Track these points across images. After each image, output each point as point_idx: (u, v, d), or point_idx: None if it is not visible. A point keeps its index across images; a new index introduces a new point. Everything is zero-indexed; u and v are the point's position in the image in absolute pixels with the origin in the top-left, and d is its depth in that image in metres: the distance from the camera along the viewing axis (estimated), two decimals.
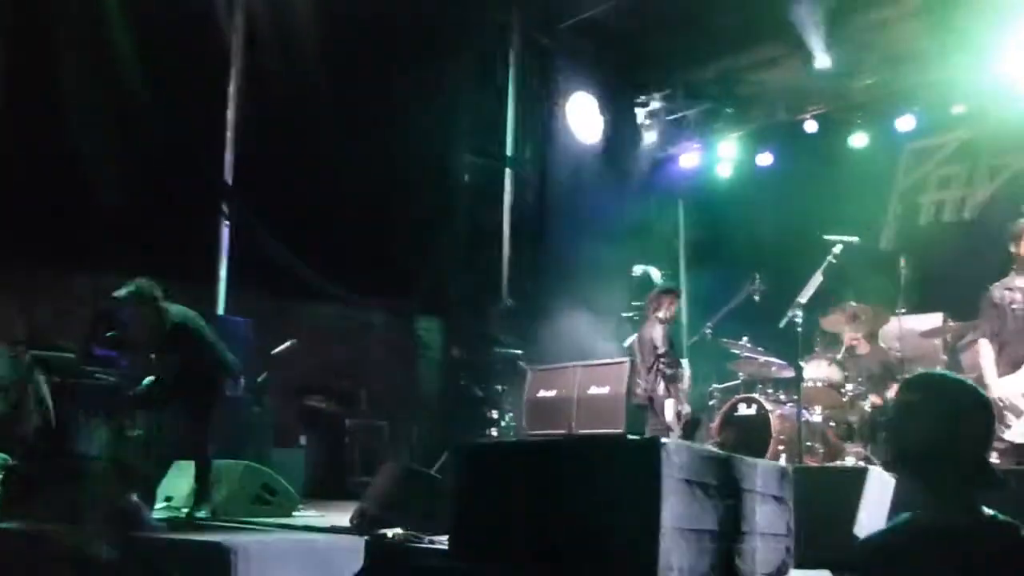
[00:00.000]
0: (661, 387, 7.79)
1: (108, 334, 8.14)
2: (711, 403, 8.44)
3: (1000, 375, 5.52)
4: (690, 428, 7.98)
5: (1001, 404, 5.26)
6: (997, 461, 5.03)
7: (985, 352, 5.64)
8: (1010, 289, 5.63)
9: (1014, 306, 5.53)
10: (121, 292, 6.42)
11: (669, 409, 7.77)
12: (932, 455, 2.21)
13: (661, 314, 8.06)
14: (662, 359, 7.81)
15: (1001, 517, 2.19)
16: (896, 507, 2.38)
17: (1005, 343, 5.59)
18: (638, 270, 9.94)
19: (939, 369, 5.10)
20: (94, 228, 9.63)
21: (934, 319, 7.66)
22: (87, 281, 9.20)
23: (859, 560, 2.38)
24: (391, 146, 10.68)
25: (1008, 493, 2.24)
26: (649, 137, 12.11)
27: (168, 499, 6.88)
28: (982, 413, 2.28)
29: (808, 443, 7.25)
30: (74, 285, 9.49)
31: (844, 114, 10.71)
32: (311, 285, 10.16)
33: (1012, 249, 5.74)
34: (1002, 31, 8.92)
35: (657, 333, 7.90)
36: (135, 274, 6.58)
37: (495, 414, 9.01)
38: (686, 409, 7.95)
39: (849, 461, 7.22)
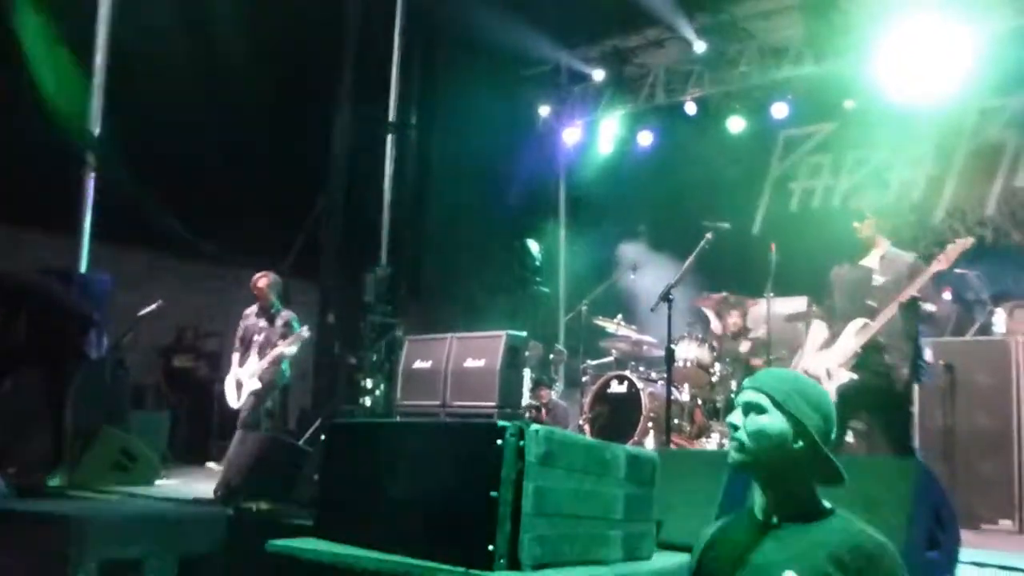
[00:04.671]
0: None
1: None
2: (584, 379, 8.56)
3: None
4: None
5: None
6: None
7: (815, 330, 5.69)
8: (845, 270, 5.61)
9: (846, 284, 5.54)
10: None
11: None
12: (772, 454, 2.26)
13: None
14: None
15: (838, 510, 2.26)
16: (744, 498, 2.44)
17: (833, 322, 5.59)
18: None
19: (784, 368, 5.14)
20: None
21: (799, 303, 7.93)
22: None
23: (693, 550, 2.44)
24: (270, 103, 10.39)
25: (852, 478, 2.30)
26: (543, 111, 12.13)
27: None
28: (821, 407, 2.32)
29: (676, 421, 7.44)
30: None
31: (723, 99, 10.99)
32: (180, 241, 9.81)
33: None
34: (875, 32, 9.27)
35: None
36: None
37: (369, 383, 8.89)
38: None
39: (714, 438, 7.46)
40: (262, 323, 7.58)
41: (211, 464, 7.26)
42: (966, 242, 5.10)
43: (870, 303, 5.27)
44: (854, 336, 5.26)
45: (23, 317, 6.11)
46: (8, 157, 8.73)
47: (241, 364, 7.56)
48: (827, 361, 5.34)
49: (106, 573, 3.96)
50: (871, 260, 5.44)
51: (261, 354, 7.44)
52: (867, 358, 5.20)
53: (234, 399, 7.49)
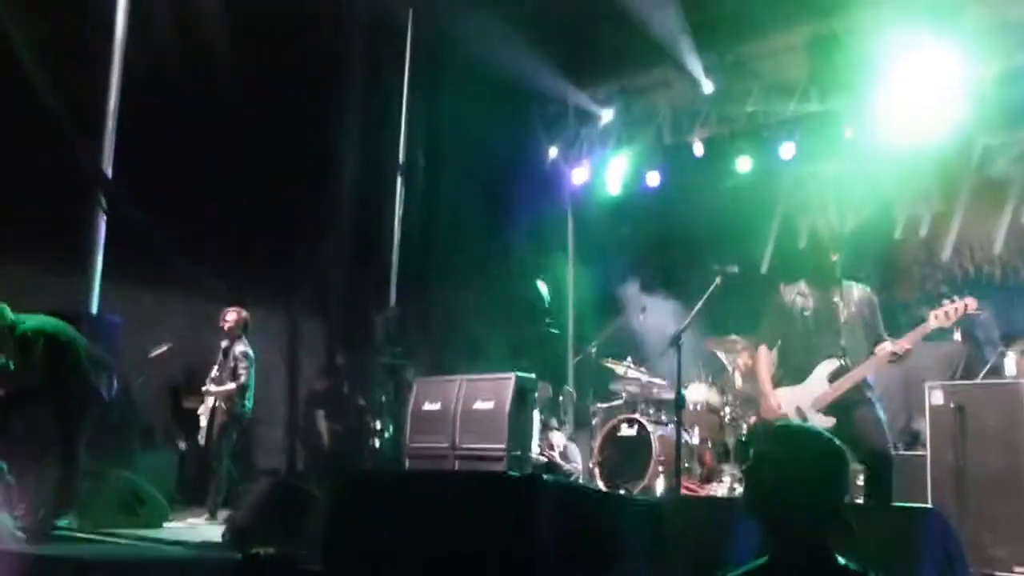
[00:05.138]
0: None
1: None
2: (593, 421, 8.54)
3: (779, 385, 5.30)
4: None
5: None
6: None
7: (763, 358, 5.45)
8: (802, 295, 5.39)
9: (805, 312, 5.31)
10: None
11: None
12: (785, 503, 2.26)
13: None
14: None
15: (852, 566, 2.23)
16: (760, 548, 2.42)
17: (788, 350, 5.40)
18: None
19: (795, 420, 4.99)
20: None
21: None
22: None
23: None
24: (279, 144, 10.47)
25: (860, 534, 2.29)
26: (552, 151, 12.20)
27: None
28: (832, 462, 2.32)
29: (686, 464, 7.41)
30: None
31: (730, 138, 11.02)
32: (190, 280, 9.84)
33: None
34: (879, 69, 9.31)
35: None
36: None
37: (378, 424, 8.88)
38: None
39: (725, 481, 7.42)
40: (220, 358, 8.05)
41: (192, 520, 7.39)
42: (971, 303, 4.99)
43: (841, 342, 5.14)
44: (828, 379, 5.11)
45: (39, 358, 6.14)
46: (16, 197, 8.81)
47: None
48: (797, 399, 5.14)
49: None
50: (833, 292, 5.29)
51: (213, 390, 7.91)
52: (844, 401, 5.06)
53: (199, 434, 7.96)
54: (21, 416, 6.38)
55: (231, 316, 8.15)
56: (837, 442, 2.37)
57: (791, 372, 5.30)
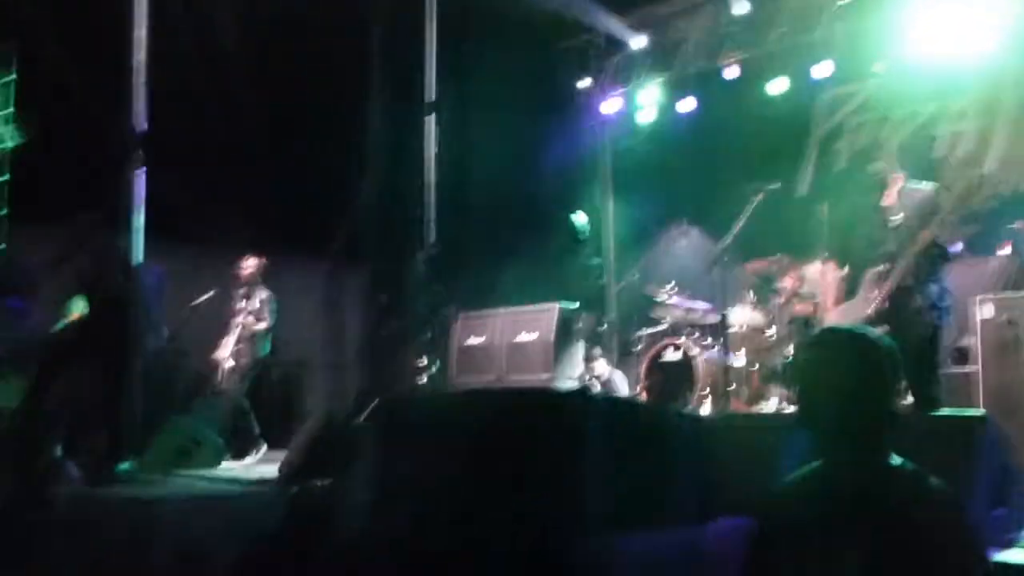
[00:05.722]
0: None
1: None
2: (637, 348, 8.54)
3: (838, 303, 5.28)
4: None
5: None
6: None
7: (829, 276, 5.50)
8: (852, 207, 5.48)
9: (861, 222, 5.27)
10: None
11: None
12: (835, 406, 2.23)
13: None
14: None
15: (909, 465, 2.22)
16: (808, 457, 2.41)
17: (848, 264, 5.36)
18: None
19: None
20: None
21: None
22: None
23: (758, 509, 2.41)
24: (309, 91, 10.45)
25: (913, 440, 2.27)
26: (582, 82, 12.07)
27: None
28: (881, 359, 2.28)
29: (732, 386, 7.41)
30: None
31: (763, 61, 10.80)
32: (229, 232, 9.92)
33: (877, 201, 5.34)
34: None
35: None
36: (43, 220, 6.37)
37: (423, 361, 8.95)
38: None
39: (771, 403, 7.41)
40: (241, 304, 8.28)
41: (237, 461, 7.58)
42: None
43: (889, 248, 5.01)
44: (875, 285, 5.00)
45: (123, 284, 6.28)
46: (57, 153, 8.92)
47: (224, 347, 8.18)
48: (851, 315, 5.09)
49: (178, 552, 4.05)
50: (888, 198, 5.15)
51: (239, 334, 8.14)
52: (892, 308, 4.94)
53: (219, 378, 8.16)
54: (79, 364, 6.52)
55: (251, 263, 8.46)
56: (886, 340, 2.34)
57: (849, 287, 5.24)
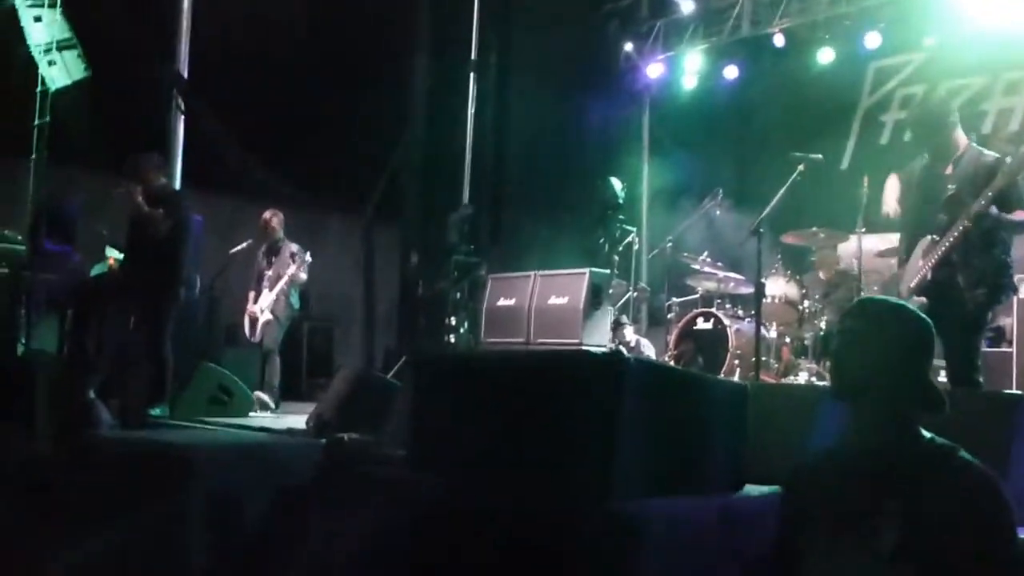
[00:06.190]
0: None
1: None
2: (669, 317, 8.51)
3: None
4: None
5: None
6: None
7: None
8: (911, 172, 5.13)
9: (916, 187, 5.03)
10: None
11: None
12: (876, 382, 2.20)
13: None
14: None
15: (939, 440, 2.20)
16: (840, 430, 2.39)
17: (902, 229, 5.21)
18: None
19: (879, 295, 4.79)
20: (40, 118, 9.41)
21: (891, 239, 7.74)
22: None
23: (788, 480, 2.40)
24: (349, 44, 10.43)
25: (949, 417, 2.24)
26: (626, 46, 11.94)
27: None
28: (923, 335, 2.27)
29: (763, 359, 7.36)
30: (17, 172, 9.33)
31: (811, 30, 10.63)
32: (264, 185, 9.97)
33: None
34: None
35: None
36: (82, 166, 6.42)
37: (452, 321, 9.00)
38: None
39: (802, 376, 7.36)
40: (270, 258, 8.17)
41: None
42: None
43: (941, 216, 4.74)
44: (922, 257, 4.80)
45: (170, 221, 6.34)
46: (98, 105, 8.98)
47: (255, 301, 8.12)
48: (894, 286, 4.94)
49: (210, 498, 4.11)
50: (946, 165, 4.88)
51: (271, 287, 8.02)
52: (936, 281, 4.72)
53: (250, 333, 8.10)
54: (121, 305, 6.61)
55: (277, 218, 8.25)
56: (921, 315, 2.31)
57: (903, 253, 5.06)
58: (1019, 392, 4.88)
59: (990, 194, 4.55)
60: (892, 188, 5.22)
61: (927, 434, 2.21)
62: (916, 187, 5.02)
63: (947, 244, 4.68)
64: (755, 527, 3.01)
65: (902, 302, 2.42)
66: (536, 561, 2.80)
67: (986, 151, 4.89)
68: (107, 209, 7.74)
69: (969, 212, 4.60)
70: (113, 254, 8.01)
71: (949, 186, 4.79)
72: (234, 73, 9.63)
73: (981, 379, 4.82)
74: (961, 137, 4.93)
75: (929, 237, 4.81)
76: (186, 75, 9.37)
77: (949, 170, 4.87)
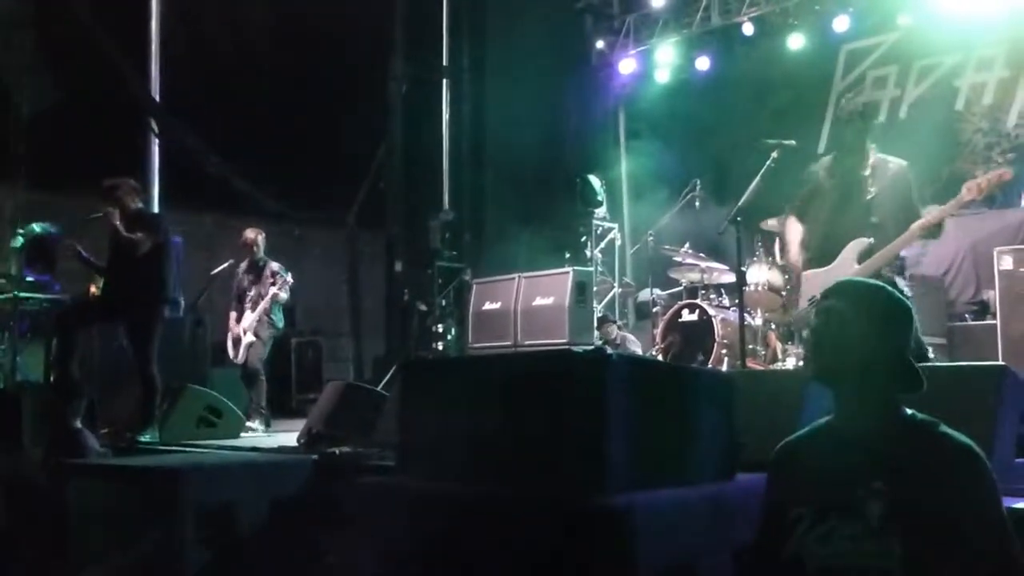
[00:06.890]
0: None
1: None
2: (654, 310, 8.52)
3: (806, 267, 5.09)
4: None
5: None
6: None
7: (791, 228, 5.28)
8: (826, 169, 5.12)
9: (831, 188, 5.03)
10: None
11: None
12: (850, 357, 2.21)
13: None
14: None
15: (920, 416, 2.21)
16: (825, 412, 2.40)
17: (815, 229, 5.13)
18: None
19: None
20: (17, 144, 9.37)
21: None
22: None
23: (770, 462, 2.40)
24: (325, 55, 10.42)
25: (929, 392, 2.25)
26: (598, 44, 11.96)
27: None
28: (897, 312, 2.28)
29: (750, 346, 7.38)
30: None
31: (780, 16, 10.67)
32: (246, 201, 9.95)
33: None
34: None
35: None
36: (60, 191, 6.40)
37: (440, 328, 8.99)
38: None
39: (789, 362, 7.38)
40: (251, 277, 8.04)
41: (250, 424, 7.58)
42: (1003, 173, 4.72)
43: (872, 219, 4.79)
44: (856, 260, 4.81)
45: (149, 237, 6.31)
46: (73, 125, 8.93)
47: (238, 321, 8.00)
48: (826, 282, 4.68)
49: (204, 518, 4.09)
50: (862, 167, 4.93)
51: (253, 307, 7.90)
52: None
53: (233, 354, 7.96)
54: (100, 337, 6.58)
55: (261, 237, 8.14)
56: (901, 295, 2.33)
57: (819, 254, 5.04)
58: (995, 363, 4.89)
59: (944, 213, 4.69)
60: (794, 231, 5.24)
61: (908, 410, 2.22)
62: (832, 190, 5.04)
63: (889, 253, 4.75)
64: (747, 513, 3.01)
65: (882, 284, 2.43)
66: (530, 558, 2.79)
67: (891, 157, 4.97)
68: (88, 233, 7.72)
69: (917, 227, 4.69)
70: (94, 281, 7.97)
71: (869, 189, 4.87)
72: (211, 88, 9.60)
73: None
74: (868, 145, 5.00)
75: (865, 241, 4.82)
76: (160, 93, 9.36)
77: (866, 172, 4.92)
